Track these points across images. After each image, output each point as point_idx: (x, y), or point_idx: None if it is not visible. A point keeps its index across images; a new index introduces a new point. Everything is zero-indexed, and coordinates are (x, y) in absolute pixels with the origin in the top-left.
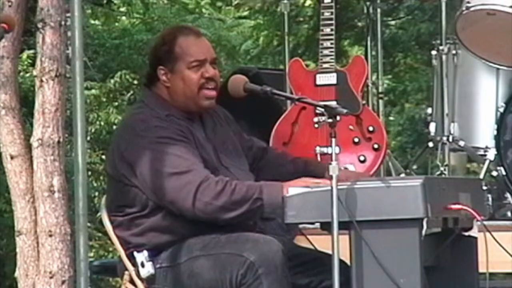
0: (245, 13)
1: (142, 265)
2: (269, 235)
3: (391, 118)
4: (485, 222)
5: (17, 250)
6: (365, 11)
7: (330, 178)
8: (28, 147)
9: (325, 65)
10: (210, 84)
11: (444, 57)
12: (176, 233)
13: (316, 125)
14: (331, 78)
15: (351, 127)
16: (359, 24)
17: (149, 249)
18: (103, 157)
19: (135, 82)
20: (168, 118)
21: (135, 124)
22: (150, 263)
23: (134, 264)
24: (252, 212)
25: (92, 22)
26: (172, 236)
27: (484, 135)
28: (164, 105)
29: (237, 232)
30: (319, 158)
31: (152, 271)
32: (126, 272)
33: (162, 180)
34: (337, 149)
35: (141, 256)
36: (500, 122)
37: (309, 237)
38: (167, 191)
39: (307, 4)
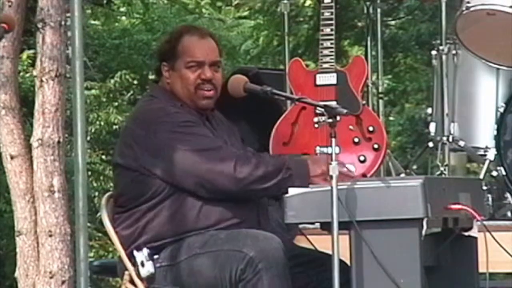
0: (245, 13)
1: (142, 264)
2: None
3: (391, 118)
4: (485, 222)
5: (17, 250)
6: (365, 11)
7: (330, 178)
8: (28, 147)
9: (325, 65)
10: (206, 86)
11: (444, 57)
12: (177, 225)
13: (316, 125)
14: (331, 78)
15: (351, 127)
16: (359, 24)
17: (149, 245)
18: (103, 157)
19: (135, 82)
20: (182, 107)
21: (153, 113)
22: (150, 262)
23: (134, 263)
24: (284, 181)
25: (92, 22)
26: (173, 228)
27: (484, 135)
28: (173, 98)
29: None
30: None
31: (152, 270)
32: (126, 272)
33: (195, 159)
34: (337, 149)
35: (141, 256)
36: (500, 122)
37: (309, 237)
38: (203, 169)
39: (307, 4)
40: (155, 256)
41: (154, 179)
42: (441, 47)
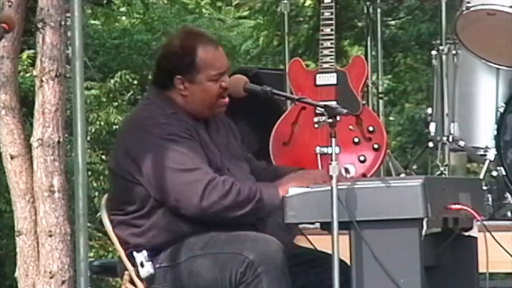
0: (245, 13)
1: (142, 265)
2: (269, 235)
3: (391, 118)
4: (485, 222)
5: (17, 250)
6: (365, 11)
7: (330, 178)
8: (28, 147)
9: (325, 65)
10: (225, 92)
11: (444, 57)
12: (175, 232)
13: (316, 125)
14: (331, 78)
15: (351, 127)
16: (359, 24)
17: (148, 249)
18: (103, 157)
19: (135, 82)
20: (174, 116)
21: (142, 120)
22: (150, 263)
23: (134, 264)
24: (254, 212)
25: (92, 22)
26: (171, 236)
27: (484, 135)
28: (172, 105)
29: (237, 231)
30: (319, 158)
31: (151, 271)
32: (126, 272)
33: (169, 176)
34: (337, 149)
35: (141, 256)
36: (500, 122)
37: (309, 237)
38: (173, 188)
39: (307, 4)
40: (155, 257)
41: (139, 187)
42: (441, 47)
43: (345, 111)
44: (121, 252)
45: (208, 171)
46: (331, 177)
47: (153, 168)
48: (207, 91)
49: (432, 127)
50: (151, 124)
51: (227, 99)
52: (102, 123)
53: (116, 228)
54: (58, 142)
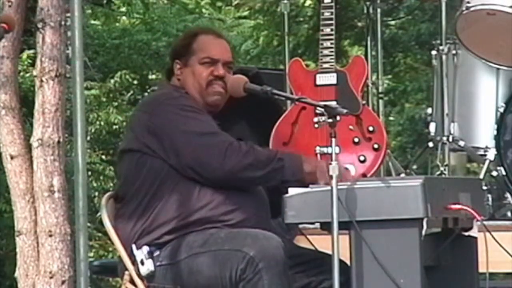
0: (245, 13)
1: (142, 262)
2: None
3: (391, 118)
4: (485, 222)
5: (17, 250)
6: (365, 11)
7: (330, 178)
8: (28, 147)
9: (325, 65)
10: (218, 82)
11: (444, 57)
12: (182, 218)
13: (316, 125)
14: (331, 78)
15: (351, 127)
16: (359, 24)
17: (149, 245)
18: (103, 157)
19: (135, 82)
20: (187, 95)
21: (157, 97)
22: (150, 260)
23: (134, 262)
24: (275, 172)
25: (92, 22)
26: (177, 222)
27: (484, 135)
28: (180, 88)
29: (237, 229)
30: (319, 158)
31: (152, 268)
32: (126, 272)
33: (190, 140)
34: (337, 149)
35: (141, 254)
36: (500, 122)
37: (309, 237)
38: (195, 151)
39: (307, 4)
40: (155, 254)
41: (155, 158)
42: (441, 47)
43: (345, 111)
44: (121, 250)
45: (227, 135)
46: (331, 177)
47: (173, 135)
48: (196, 74)
49: (432, 127)
50: (166, 98)
51: (221, 89)
52: (102, 123)
53: (120, 218)
54: (58, 142)
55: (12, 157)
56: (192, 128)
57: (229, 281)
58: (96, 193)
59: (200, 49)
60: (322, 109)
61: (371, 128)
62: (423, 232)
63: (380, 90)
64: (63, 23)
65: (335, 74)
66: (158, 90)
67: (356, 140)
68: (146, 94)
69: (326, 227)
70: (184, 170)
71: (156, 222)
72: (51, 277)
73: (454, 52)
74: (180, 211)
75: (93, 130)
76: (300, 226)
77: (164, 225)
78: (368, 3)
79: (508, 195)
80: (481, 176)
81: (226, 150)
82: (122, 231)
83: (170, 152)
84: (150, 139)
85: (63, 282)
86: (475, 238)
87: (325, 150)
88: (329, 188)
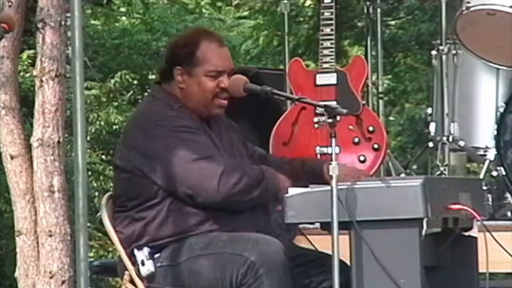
0: (245, 13)
1: (143, 263)
2: (268, 235)
3: (391, 118)
4: (485, 222)
5: (17, 250)
6: (365, 11)
7: (330, 178)
8: (28, 147)
9: (325, 65)
10: (223, 94)
11: (444, 57)
12: (179, 225)
13: (316, 125)
14: (331, 78)
15: (351, 127)
16: (359, 24)
17: (150, 244)
18: (103, 157)
19: (135, 82)
20: (181, 110)
21: (150, 115)
22: (151, 261)
23: (134, 262)
24: (263, 193)
25: (92, 22)
26: (175, 229)
27: (484, 135)
28: (176, 100)
29: (238, 232)
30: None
31: (152, 269)
32: (126, 272)
33: (183, 166)
34: (337, 149)
35: (141, 255)
36: (500, 122)
37: (309, 237)
38: (189, 177)
39: (307, 4)
40: (156, 255)
41: (148, 181)
42: (441, 47)
43: (345, 111)
44: (121, 251)
45: (221, 159)
46: (331, 177)
47: (165, 160)
48: (202, 86)
49: (432, 127)
50: (159, 118)
51: (225, 101)
52: (102, 123)
53: (120, 225)
54: (58, 142)
55: (12, 157)
56: (186, 153)
57: (229, 285)
58: (96, 193)
59: (206, 60)
60: (322, 109)
61: (371, 128)
62: (423, 232)
63: (380, 90)
64: (63, 23)
65: (335, 74)
66: (152, 103)
67: (356, 140)
68: (146, 94)
69: (326, 227)
70: (178, 194)
71: (157, 222)
72: (51, 277)
73: (454, 52)
74: (177, 230)
75: (93, 130)
76: (300, 226)
77: (164, 226)
78: (368, 3)
79: (508, 195)
80: (481, 176)
81: (221, 175)
82: (122, 235)
83: (165, 179)
84: (143, 162)
85: (63, 282)
86: (475, 238)
87: (325, 150)
88: (329, 188)
